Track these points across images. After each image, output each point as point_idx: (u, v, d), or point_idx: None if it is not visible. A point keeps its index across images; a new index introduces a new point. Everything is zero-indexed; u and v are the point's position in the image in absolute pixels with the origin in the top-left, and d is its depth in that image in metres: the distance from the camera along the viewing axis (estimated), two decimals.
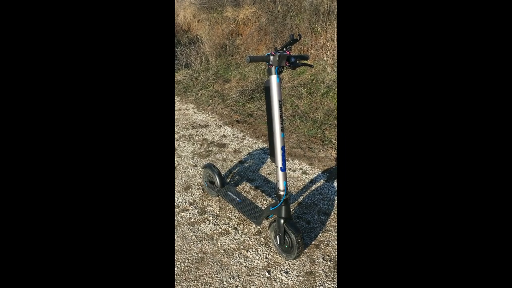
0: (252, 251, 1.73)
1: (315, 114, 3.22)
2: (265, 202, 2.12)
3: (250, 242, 1.79)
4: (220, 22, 6.59)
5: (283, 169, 1.53)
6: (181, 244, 1.80)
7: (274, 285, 1.53)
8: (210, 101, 4.01)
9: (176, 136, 3.17)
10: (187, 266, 1.66)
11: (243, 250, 1.74)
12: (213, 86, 4.55)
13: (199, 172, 2.49)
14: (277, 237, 1.65)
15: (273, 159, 1.56)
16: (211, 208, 2.09)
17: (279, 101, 1.44)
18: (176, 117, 3.67)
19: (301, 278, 1.56)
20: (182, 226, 1.95)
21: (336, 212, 1.98)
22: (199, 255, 1.73)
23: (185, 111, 3.88)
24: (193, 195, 2.24)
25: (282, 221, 1.57)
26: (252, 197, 2.17)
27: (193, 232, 1.89)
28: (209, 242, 1.81)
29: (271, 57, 1.33)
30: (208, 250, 1.76)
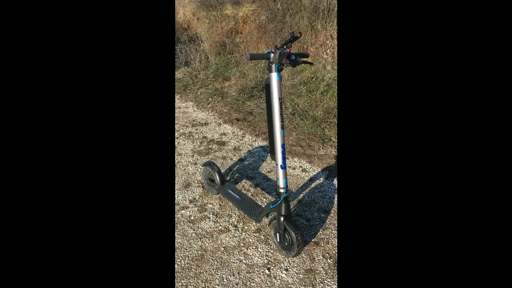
0: (252, 248, 1.73)
1: (315, 112, 3.22)
2: (265, 200, 2.12)
3: (250, 240, 1.79)
4: (220, 20, 6.57)
5: (283, 167, 1.54)
6: (181, 242, 1.81)
7: (274, 283, 1.53)
8: (210, 99, 4.01)
9: (176, 134, 3.16)
10: (187, 264, 1.67)
11: (243, 248, 1.74)
12: (213, 84, 4.54)
13: (199, 170, 2.49)
14: (277, 234, 1.65)
15: (273, 157, 1.56)
16: (211, 205, 2.09)
17: (279, 99, 1.44)
18: (176, 115, 3.66)
19: (301, 275, 1.56)
20: (182, 224, 1.95)
21: (335, 210, 1.98)
22: (199, 252, 1.73)
23: (184, 109, 3.88)
24: (193, 192, 2.24)
25: (282, 218, 1.58)
26: (252, 195, 2.17)
27: (193, 230, 1.89)
28: (209, 240, 1.81)
29: (271, 54, 1.33)
30: (208, 248, 1.76)
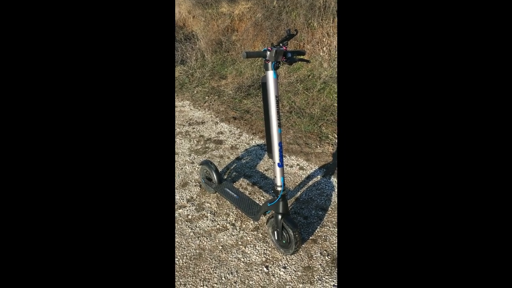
0: (250, 246, 1.74)
1: (312, 110, 3.23)
2: (262, 198, 2.13)
3: (248, 238, 1.80)
4: (216, 18, 6.54)
5: (281, 165, 1.54)
6: (179, 241, 1.81)
7: (273, 280, 1.54)
8: (206, 97, 3.99)
9: None
10: (185, 263, 1.66)
11: (241, 246, 1.75)
12: (209, 82, 4.53)
13: (196, 169, 2.49)
14: (275, 232, 1.65)
15: (271, 155, 1.56)
16: (208, 204, 2.09)
17: (276, 96, 1.44)
18: None
19: (299, 273, 1.57)
20: (180, 223, 1.95)
21: (333, 207, 1.99)
22: (197, 251, 1.73)
23: (181, 108, 3.87)
24: (191, 192, 2.24)
25: (280, 216, 1.58)
26: (249, 193, 2.17)
27: (191, 229, 1.89)
28: (207, 239, 1.81)
29: (268, 52, 1.33)
30: (206, 246, 1.76)
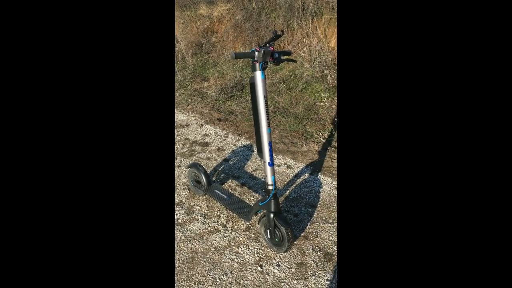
0: (243, 247, 1.74)
1: (295, 110, 3.27)
2: (252, 198, 2.14)
3: (241, 239, 1.80)
4: (194, 20, 6.49)
5: (271, 164, 1.55)
6: None
7: (267, 279, 1.55)
8: (189, 100, 3.96)
9: None
10: (178, 267, 1.65)
11: (234, 247, 1.75)
12: (191, 85, 4.49)
13: (184, 172, 2.46)
14: (268, 231, 1.67)
15: (261, 155, 1.58)
16: (198, 207, 2.08)
17: (265, 96, 1.45)
18: None
19: (293, 269, 1.59)
20: None
21: (322, 204, 2.03)
22: (190, 254, 1.72)
23: None
24: (179, 195, 2.21)
25: (272, 215, 1.60)
26: (239, 194, 2.18)
27: (182, 233, 1.87)
28: (199, 241, 1.80)
29: (256, 53, 1.34)
30: (199, 249, 1.75)
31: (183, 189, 2.27)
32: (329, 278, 1.53)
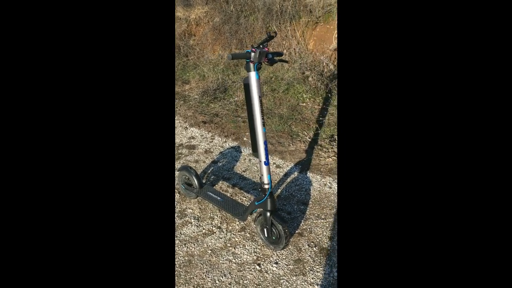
0: (240, 247, 1.75)
1: (280, 110, 3.32)
2: (244, 198, 2.14)
3: (236, 239, 1.80)
4: None
5: (267, 163, 1.58)
6: None
7: (266, 277, 1.56)
8: None
9: None
10: (175, 271, 1.62)
11: (230, 248, 1.75)
12: None
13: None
14: (264, 230, 1.68)
15: (256, 154, 1.60)
16: (190, 210, 2.05)
17: (259, 96, 1.48)
18: None
19: (291, 266, 1.61)
20: None
21: (313, 201, 2.08)
22: (186, 258, 1.70)
23: None
24: None
25: (268, 214, 1.62)
26: (230, 195, 2.18)
27: (176, 236, 1.84)
28: (194, 244, 1.78)
29: (252, 53, 1.36)
30: (195, 252, 1.73)
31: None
32: (326, 272, 1.57)
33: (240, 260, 1.67)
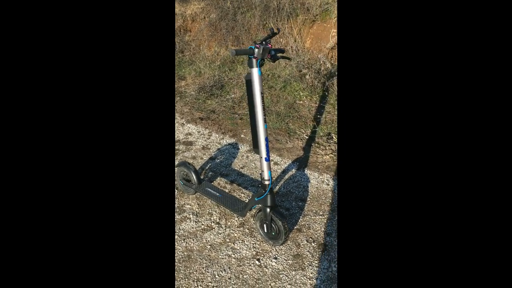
0: (239, 242, 1.76)
1: (277, 108, 3.33)
2: (243, 195, 2.15)
3: (235, 234, 1.81)
4: None
5: (268, 159, 1.59)
6: None
7: (266, 272, 1.58)
8: None
9: None
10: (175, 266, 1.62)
11: (229, 243, 1.76)
12: None
13: None
14: (264, 225, 1.70)
15: (257, 151, 1.60)
16: (189, 206, 2.05)
17: (261, 93, 1.48)
18: None
19: (290, 261, 1.63)
20: None
21: (311, 197, 2.10)
22: (185, 253, 1.70)
23: None
24: None
25: (268, 209, 1.63)
26: (229, 191, 2.18)
27: (175, 232, 1.84)
28: (193, 240, 1.79)
29: (256, 50, 1.37)
30: (194, 248, 1.74)
31: None
32: (325, 267, 1.59)
33: (240, 255, 1.68)
